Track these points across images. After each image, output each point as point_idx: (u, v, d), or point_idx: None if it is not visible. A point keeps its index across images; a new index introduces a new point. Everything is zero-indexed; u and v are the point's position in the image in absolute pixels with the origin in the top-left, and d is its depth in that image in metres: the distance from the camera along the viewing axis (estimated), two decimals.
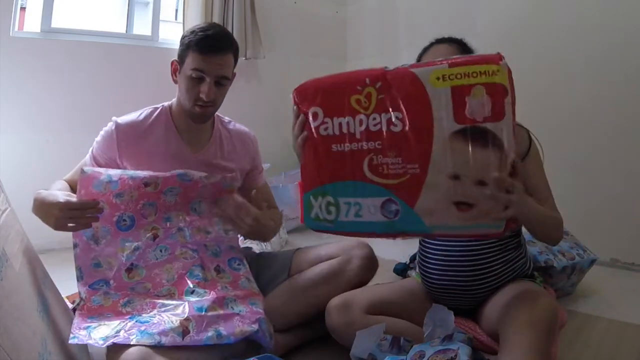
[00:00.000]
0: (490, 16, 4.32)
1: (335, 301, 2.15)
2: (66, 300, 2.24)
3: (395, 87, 1.67)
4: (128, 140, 2.31)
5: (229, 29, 4.79)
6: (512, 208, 1.57)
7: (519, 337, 1.67)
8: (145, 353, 1.69)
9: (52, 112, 4.19)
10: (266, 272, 2.43)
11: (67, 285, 2.06)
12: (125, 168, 2.29)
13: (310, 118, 1.82)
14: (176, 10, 5.91)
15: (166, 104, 2.43)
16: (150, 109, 2.41)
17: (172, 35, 5.05)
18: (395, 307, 2.19)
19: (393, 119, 1.68)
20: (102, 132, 2.35)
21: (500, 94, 1.53)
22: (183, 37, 2.30)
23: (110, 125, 2.33)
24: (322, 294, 2.23)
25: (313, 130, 1.83)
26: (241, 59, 4.75)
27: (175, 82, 2.36)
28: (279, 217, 2.60)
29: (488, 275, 2.09)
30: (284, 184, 4.67)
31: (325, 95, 1.80)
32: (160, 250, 2.15)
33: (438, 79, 1.59)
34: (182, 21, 4.76)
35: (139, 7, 5.16)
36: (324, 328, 2.23)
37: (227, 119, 2.57)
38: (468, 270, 2.09)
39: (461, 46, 2.14)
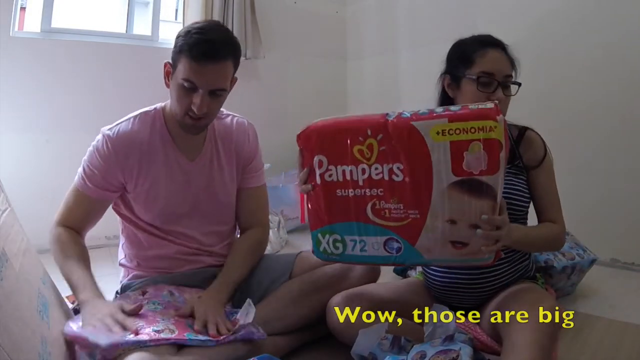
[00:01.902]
0: (491, 16, 4.32)
1: (336, 299, 2.15)
2: (66, 300, 2.24)
3: (396, 139, 1.75)
4: (126, 153, 2.17)
5: (229, 28, 4.76)
6: (501, 241, 1.72)
7: (522, 338, 1.67)
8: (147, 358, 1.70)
9: (52, 112, 4.19)
10: (268, 274, 2.39)
11: (67, 285, 2.05)
12: (125, 183, 2.21)
13: (316, 166, 1.88)
14: (176, 10, 5.91)
15: (158, 106, 2.31)
16: (141, 115, 2.26)
17: (172, 35, 4.96)
18: (397, 306, 2.18)
19: (394, 170, 1.77)
20: (93, 150, 2.19)
21: (496, 149, 1.63)
22: (177, 37, 2.10)
23: (101, 141, 2.18)
24: (323, 298, 2.21)
25: (318, 176, 1.89)
26: (241, 59, 4.65)
27: (168, 86, 2.18)
28: (257, 251, 2.46)
29: (491, 275, 2.09)
30: (284, 184, 4.67)
31: (329, 143, 1.87)
32: (153, 304, 2.04)
33: (438, 133, 1.67)
34: (182, 21, 4.76)
35: (139, 7, 5.16)
36: (323, 330, 2.24)
37: (224, 112, 2.46)
38: (472, 268, 2.09)
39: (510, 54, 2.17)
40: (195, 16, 4.66)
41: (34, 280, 1.75)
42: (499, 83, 2.06)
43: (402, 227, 1.80)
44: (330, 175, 1.88)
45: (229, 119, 2.45)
